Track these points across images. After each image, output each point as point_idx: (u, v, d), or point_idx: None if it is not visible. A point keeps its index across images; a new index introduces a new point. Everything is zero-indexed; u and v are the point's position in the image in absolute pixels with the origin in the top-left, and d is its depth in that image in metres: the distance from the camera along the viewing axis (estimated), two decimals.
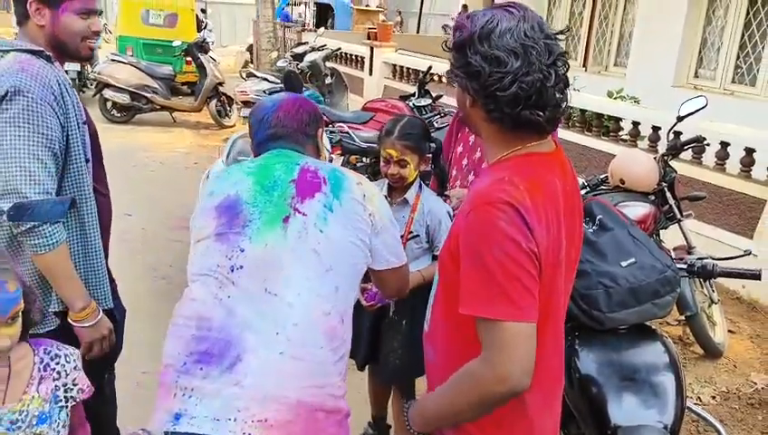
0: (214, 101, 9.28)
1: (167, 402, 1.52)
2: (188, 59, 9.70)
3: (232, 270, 1.56)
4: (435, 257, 2.38)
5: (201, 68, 9.15)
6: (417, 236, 2.37)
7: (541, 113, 1.31)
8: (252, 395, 1.46)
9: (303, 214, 1.59)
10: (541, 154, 1.39)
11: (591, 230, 2.09)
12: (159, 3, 10.75)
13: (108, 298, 2.03)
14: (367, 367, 2.67)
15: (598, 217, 2.12)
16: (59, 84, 1.79)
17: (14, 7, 1.82)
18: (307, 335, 1.53)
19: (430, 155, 2.38)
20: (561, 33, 1.36)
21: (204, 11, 13.49)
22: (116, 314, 2.11)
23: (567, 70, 1.35)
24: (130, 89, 8.71)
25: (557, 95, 1.32)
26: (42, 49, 1.81)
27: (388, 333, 2.47)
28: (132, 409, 2.47)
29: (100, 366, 2.14)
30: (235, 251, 1.57)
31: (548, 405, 1.55)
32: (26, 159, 1.70)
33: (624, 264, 1.99)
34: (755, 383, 3.69)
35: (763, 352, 4.09)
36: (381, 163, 2.37)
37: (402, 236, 2.31)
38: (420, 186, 2.41)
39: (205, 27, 11.05)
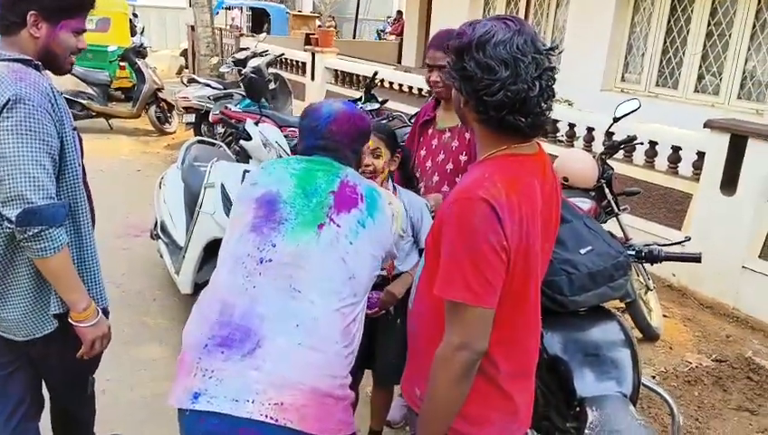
0: (153, 108, 9.11)
1: (187, 381, 1.59)
2: (122, 64, 9.46)
3: (261, 262, 1.65)
4: (421, 252, 2.46)
5: (139, 73, 8.96)
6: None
7: (523, 119, 1.45)
8: (270, 380, 1.55)
9: (338, 225, 1.70)
10: (523, 155, 1.53)
11: None
12: None
13: (104, 297, 2.06)
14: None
15: None
16: (52, 92, 1.80)
17: (2, 16, 1.79)
18: (324, 330, 1.63)
19: (398, 157, 2.50)
20: (553, 50, 1.48)
21: (135, 15, 13.19)
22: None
23: (553, 83, 1.48)
24: (64, 95, 8.38)
25: (541, 104, 1.46)
26: (31, 58, 1.81)
27: (385, 333, 2.54)
28: (100, 415, 2.48)
29: (90, 367, 2.16)
30: (267, 245, 1.66)
31: (525, 384, 1.68)
32: (30, 165, 1.70)
33: (582, 251, 2.15)
34: (690, 362, 3.97)
35: (694, 335, 4.38)
36: None
37: None
38: (394, 185, 2.53)
39: (142, 33, 10.81)
